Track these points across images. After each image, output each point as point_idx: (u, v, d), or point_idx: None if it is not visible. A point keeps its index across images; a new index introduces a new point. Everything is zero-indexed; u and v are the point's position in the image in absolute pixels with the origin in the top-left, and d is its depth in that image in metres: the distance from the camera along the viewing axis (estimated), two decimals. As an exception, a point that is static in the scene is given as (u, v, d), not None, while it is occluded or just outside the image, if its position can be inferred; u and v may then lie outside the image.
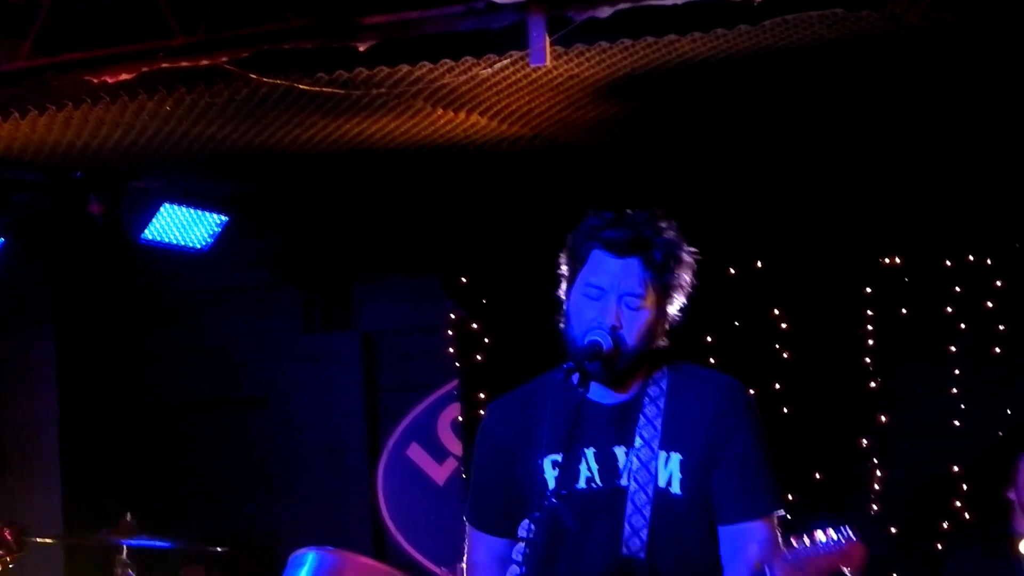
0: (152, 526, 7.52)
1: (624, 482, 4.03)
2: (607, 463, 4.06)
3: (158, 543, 7.37)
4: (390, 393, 9.68)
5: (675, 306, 4.11)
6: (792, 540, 3.75)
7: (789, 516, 4.13)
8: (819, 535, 3.73)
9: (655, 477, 4.03)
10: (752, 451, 4.07)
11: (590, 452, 4.06)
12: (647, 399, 4.09)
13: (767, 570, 3.77)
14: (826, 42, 6.11)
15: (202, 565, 9.35)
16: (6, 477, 9.71)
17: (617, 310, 4.01)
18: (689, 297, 4.12)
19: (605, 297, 4.03)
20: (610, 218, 4.07)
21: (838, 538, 3.73)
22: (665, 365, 4.14)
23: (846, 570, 3.76)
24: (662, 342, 4.12)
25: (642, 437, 4.05)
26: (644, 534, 4.00)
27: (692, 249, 4.11)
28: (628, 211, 4.10)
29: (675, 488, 4.04)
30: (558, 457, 4.04)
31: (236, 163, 7.88)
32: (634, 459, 4.04)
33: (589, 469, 4.06)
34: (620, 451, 4.06)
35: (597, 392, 4.08)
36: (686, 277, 4.10)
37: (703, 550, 4.04)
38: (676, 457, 4.04)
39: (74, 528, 9.33)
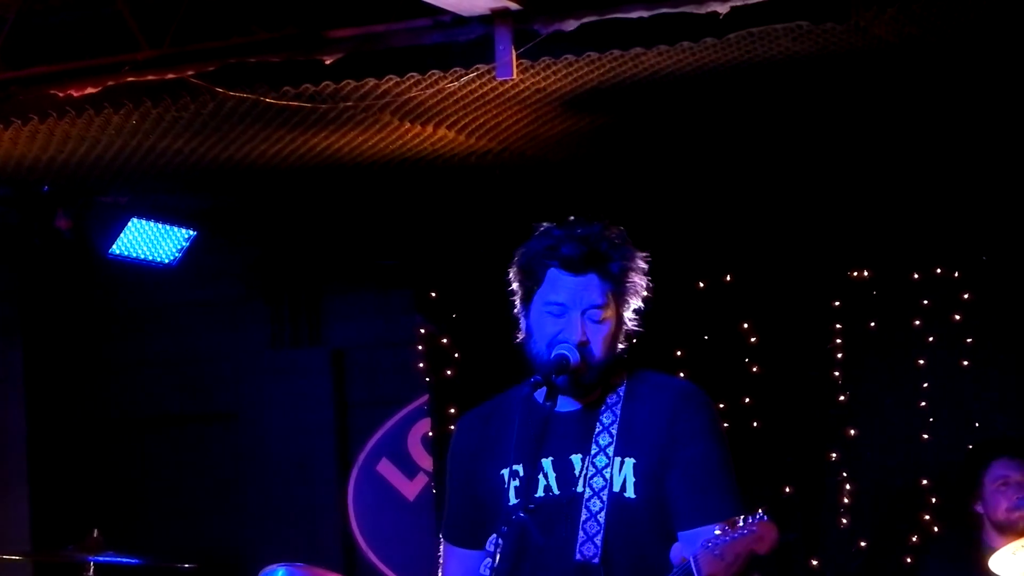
0: (120, 542, 7.48)
1: (580, 489, 4.04)
2: (564, 471, 4.09)
3: (126, 560, 7.33)
4: (360, 408, 9.66)
5: (630, 311, 4.13)
6: (716, 529, 3.78)
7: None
8: (739, 521, 3.77)
9: (609, 482, 4.04)
10: (708, 454, 4.09)
11: (548, 461, 4.09)
12: (604, 406, 4.12)
13: (691, 562, 3.78)
14: (792, 55, 6.12)
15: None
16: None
17: (582, 325, 4.04)
18: (648, 310, 4.16)
19: (568, 313, 4.06)
20: (561, 235, 4.08)
21: (752, 521, 3.76)
22: (625, 373, 4.16)
23: (760, 552, 3.79)
24: (622, 346, 4.14)
25: (598, 444, 4.08)
26: (599, 540, 4.01)
27: (643, 253, 4.14)
28: (574, 221, 4.12)
29: (629, 492, 4.05)
30: (518, 468, 4.06)
31: (203, 177, 7.86)
32: (590, 465, 4.06)
33: (546, 478, 4.09)
34: (576, 459, 4.08)
35: (558, 402, 4.10)
36: (640, 282, 4.13)
37: (659, 554, 4.02)
38: (630, 461, 4.06)
39: (43, 544, 9.28)
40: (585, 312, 4.05)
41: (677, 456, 4.06)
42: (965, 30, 6.02)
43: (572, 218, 4.16)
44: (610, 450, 4.06)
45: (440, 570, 4.35)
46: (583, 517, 4.04)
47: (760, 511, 3.79)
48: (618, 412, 4.10)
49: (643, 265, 4.14)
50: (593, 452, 4.07)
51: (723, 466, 4.10)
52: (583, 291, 4.06)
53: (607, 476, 4.05)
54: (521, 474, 4.06)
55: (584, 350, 4.03)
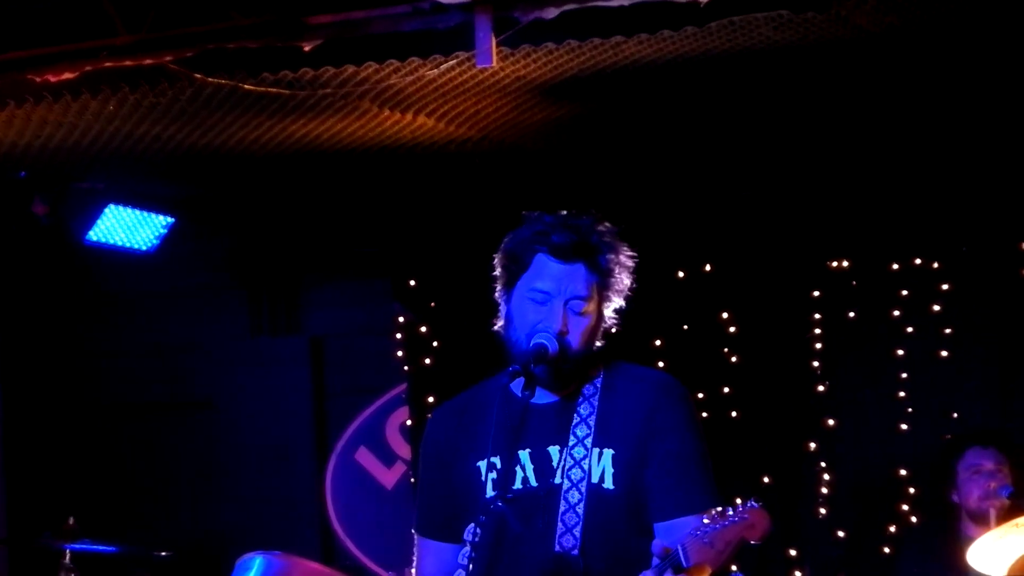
0: (96, 530, 7.46)
1: (558, 480, 4.04)
2: (541, 463, 4.08)
3: (101, 547, 7.31)
4: (338, 397, 9.64)
5: (612, 309, 4.13)
6: (704, 518, 3.76)
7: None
8: (728, 509, 3.76)
9: (588, 474, 4.04)
10: (685, 446, 4.09)
11: (525, 453, 4.09)
12: (581, 397, 4.11)
13: (680, 551, 3.77)
14: (773, 44, 6.12)
15: (147, 570, 9.29)
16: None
17: (564, 315, 4.03)
18: (628, 299, 4.15)
19: (551, 302, 4.05)
20: (552, 222, 4.08)
21: (742, 508, 3.75)
22: (602, 365, 4.15)
23: (751, 540, 3.78)
24: (599, 343, 4.14)
25: (576, 435, 4.07)
26: (578, 531, 4.01)
27: (631, 252, 4.13)
28: (566, 214, 4.11)
29: (608, 483, 4.05)
30: (495, 460, 4.05)
31: (181, 164, 7.83)
32: (568, 457, 4.05)
33: (523, 470, 4.08)
34: (554, 450, 4.08)
35: (536, 394, 4.09)
36: (626, 280, 4.14)
37: (637, 545, 4.02)
38: (608, 452, 4.06)
39: (18, 531, 9.26)
40: (568, 302, 4.05)
41: (655, 448, 4.06)
42: (945, 20, 6.02)
43: (564, 212, 4.15)
44: (588, 441, 4.06)
45: (415, 565, 4.34)
46: (562, 508, 4.03)
47: (752, 499, 3.78)
48: (595, 403, 4.10)
49: (630, 264, 4.14)
50: (571, 443, 4.06)
51: (700, 459, 4.10)
52: (569, 280, 4.05)
53: (585, 467, 4.04)
54: (498, 466, 4.06)
55: (563, 340, 4.01)
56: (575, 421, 4.08)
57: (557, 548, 4.01)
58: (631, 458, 4.05)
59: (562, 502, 4.03)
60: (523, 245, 4.11)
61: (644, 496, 4.06)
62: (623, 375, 4.17)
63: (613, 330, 4.19)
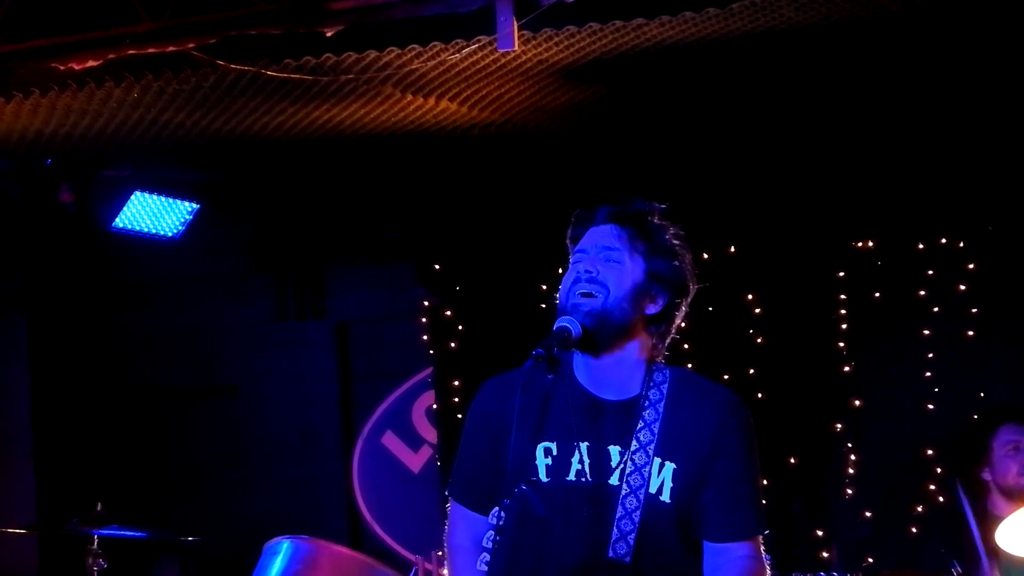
0: (124, 516, 7.48)
1: (615, 482, 4.02)
2: (600, 460, 4.04)
3: (129, 533, 7.33)
4: (364, 381, 9.66)
5: (671, 295, 4.12)
6: None
7: (765, 501, 4.13)
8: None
9: (647, 482, 4.01)
10: (746, 472, 4.08)
11: (584, 446, 4.05)
12: (647, 402, 4.07)
13: None
14: (795, 25, 6.10)
15: (176, 555, 9.33)
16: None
17: (595, 259, 4.06)
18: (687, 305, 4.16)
19: (585, 255, 4.07)
20: (599, 204, 4.15)
21: None
22: (668, 368, 4.14)
23: None
24: (660, 340, 4.12)
25: (639, 440, 4.04)
26: (632, 539, 3.99)
27: (681, 240, 4.15)
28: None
29: (665, 496, 4.02)
30: (552, 446, 4.03)
31: (205, 150, 7.84)
32: (628, 461, 4.02)
33: (581, 463, 4.04)
34: (615, 450, 4.04)
35: (596, 386, 4.08)
36: (671, 259, 4.12)
37: (686, 561, 4.04)
38: (670, 466, 4.03)
39: (47, 518, 9.30)
40: (600, 251, 4.07)
41: (718, 470, 4.04)
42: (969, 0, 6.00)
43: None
44: (650, 449, 4.03)
45: (447, 534, 4.30)
46: (618, 514, 4.00)
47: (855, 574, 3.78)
48: (661, 410, 4.06)
49: (676, 245, 4.13)
50: (633, 448, 4.03)
51: (757, 483, 4.11)
52: (600, 236, 4.10)
53: (645, 475, 4.01)
54: (555, 453, 4.03)
55: (595, 285, 4.01)
56: (639, 425, 4.05)
57: (611, 554, 3.99)
58: (692, 476, 4.04)
59: (619, 507, 4.00)
60: (574, 227, 4.19)
61: (699, 514, 4.05)
62: (690, 386, 4.13)
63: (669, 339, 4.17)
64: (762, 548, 4.10)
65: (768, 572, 4.10)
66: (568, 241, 4.19)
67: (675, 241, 4.14)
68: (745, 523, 4.06)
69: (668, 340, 4.17)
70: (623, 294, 4.04)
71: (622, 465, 4.02)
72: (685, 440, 4.04)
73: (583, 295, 4.02)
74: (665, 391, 4.09)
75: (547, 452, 4.04)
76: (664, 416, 4.05)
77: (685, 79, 6.99)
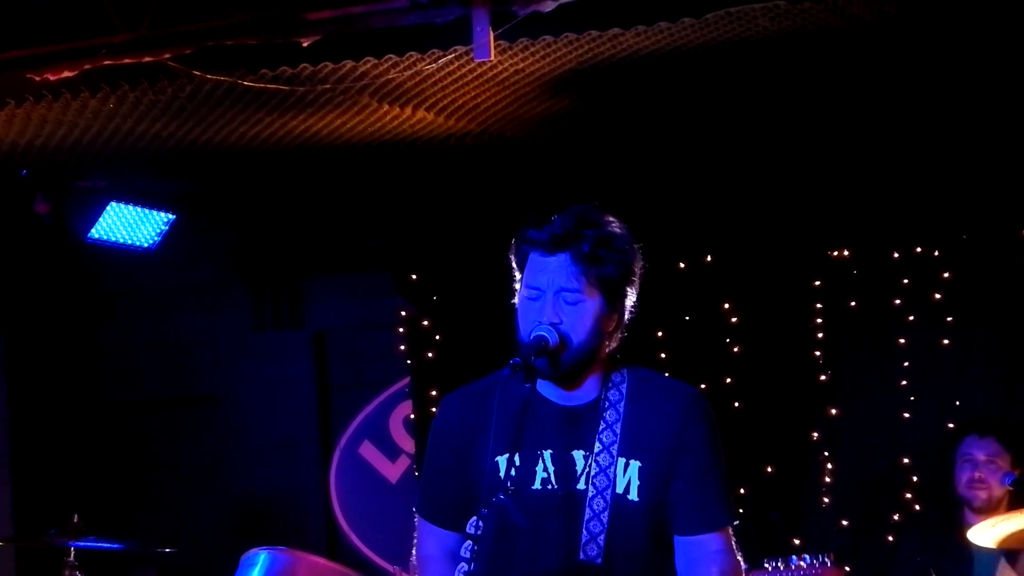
0: (101, 527, 7.47)
1: (582, 486, 4.02)
2: (564, 466, 4.04)
3: (106, 544, 7.31)
4: (342, 391, 9.65)
5: (625, 298, 4.07)
6: (766, 563, 3.76)
7: (741, 510, 4.14)
8: (795, 560, 3.76)
9: (613, 483, 4.02)
10: (711, 463, 4.09)
11: (547, 454, 4.04)
12: (607, 403, 4.08)
13: None
14: (770, 34, 6.12)
15: (153, 566, 9.30)
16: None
17: (555, 307, 4.00)
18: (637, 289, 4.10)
19: (543, 297, 4.02)
20: (535, 219, 4.05)
21: (815, 563, 3.75)
22: (625, 368, 4.14)
23: None
24: (615, 340, 4.09)
25: (601, 442, 4.04)
26: (602, 540, 3.99)
27: (627, 236, 4.07)
28: (564, 208, 4.08)
29: (633, 495, 4.03)
30: (516, 458, 4.02)
31: (182, 161, 7.84)
32: (593, 464, 4.03)
33: (546, 470, 4.03)
34: (579, 455, 4.04)
35: (555, 393, 4.08)
36: (627, 267, 4.05)
37: (657, 557, 4.05)
38: (635, 464, 4.04)
39: (25, 529, 9.27)
40: (558, 294, 4.00)
41: (682, 464, 4.05)
42: (942, 7, 6.02)
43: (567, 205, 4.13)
44: (614, 449, 4.03)
45: (416, 547, 4.29)
46: (586, 516, 4.01)
47: (826, 556, 3.78)
48: (621, 410, 4.06)
49: (628, 248, 4.04)
50: (596, 449, 4.03)
51: (723, 476, 4.11)
52: (555, 273, 4.00)
53: (610, 476, 4.02)
54: (518, 464, 4.01)
55: (560, 331, 3.99)
56: (601, 427, 4.05)
57: (582, 556, 3.99)
58: (658, 473, 4.04)
59: (587, 509, 4.00)
60: (517, 246, 4.10)
61: (667, 510, 4.06)
62: (649, 384, 4.13)
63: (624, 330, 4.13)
64: (733, 540, 4.10)
65: (741, 565, 4.10)
66: (513, 260, 4.10)
67: (619, 242, 4.04)
68: (715, 514, 4.07)
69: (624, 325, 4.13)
70: (586, 333, 4.01)
71: (587, 468, 4.03)
72: (648, 437, 4.05)
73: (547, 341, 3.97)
74: (624, 391, 4.09)
75: (509, 463, 4.02)
76: (625, 415, 4.06)
77: (661, 89, 7.00)
